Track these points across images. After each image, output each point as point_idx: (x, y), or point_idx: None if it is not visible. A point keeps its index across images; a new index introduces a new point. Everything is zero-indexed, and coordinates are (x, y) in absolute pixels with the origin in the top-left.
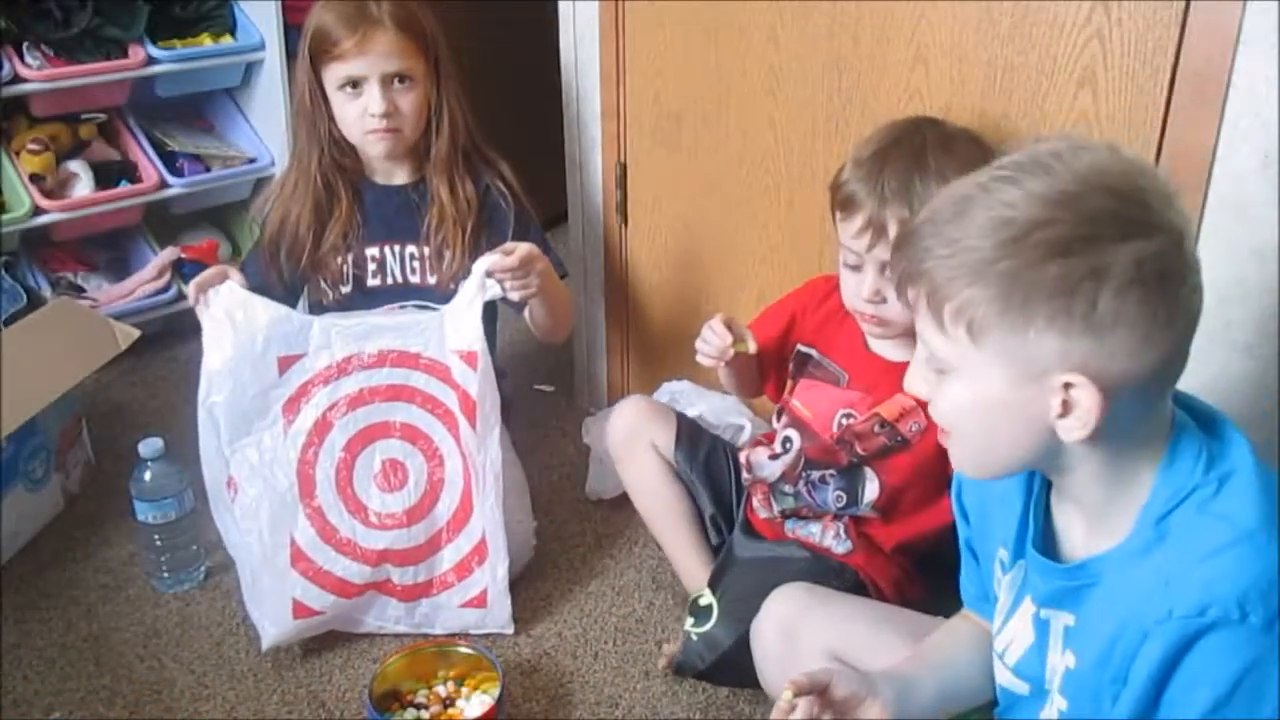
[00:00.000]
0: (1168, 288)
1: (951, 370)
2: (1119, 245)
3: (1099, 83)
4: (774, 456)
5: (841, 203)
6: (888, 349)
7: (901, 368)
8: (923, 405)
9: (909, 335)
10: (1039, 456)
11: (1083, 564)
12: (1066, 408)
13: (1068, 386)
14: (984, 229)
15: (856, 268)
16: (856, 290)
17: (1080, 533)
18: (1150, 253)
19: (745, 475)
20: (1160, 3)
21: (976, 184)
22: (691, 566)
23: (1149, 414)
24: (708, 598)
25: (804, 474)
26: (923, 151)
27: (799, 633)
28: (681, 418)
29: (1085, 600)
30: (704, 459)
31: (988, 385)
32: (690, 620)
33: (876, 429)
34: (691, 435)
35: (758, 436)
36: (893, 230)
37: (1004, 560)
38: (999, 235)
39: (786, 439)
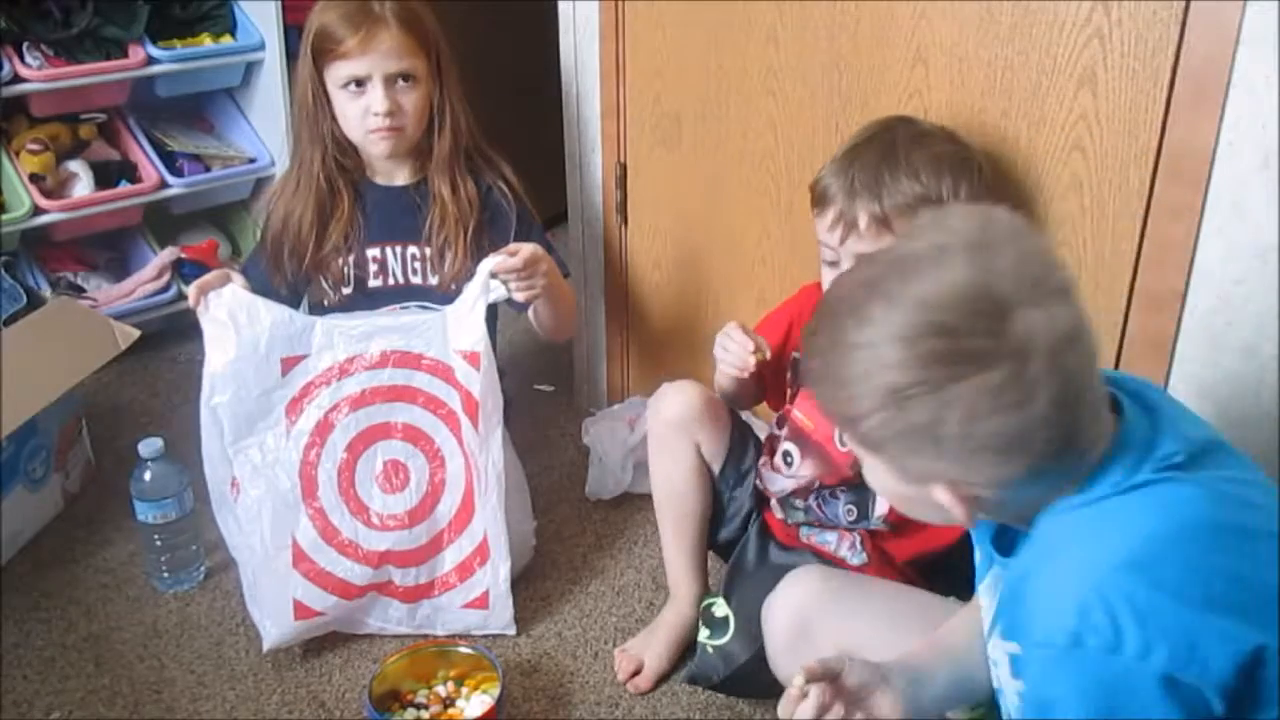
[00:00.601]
0: (1022, 409)
1: (865, 460)
2: (957, 385)
3: (1099, 83)
4: (789, 477)
5: (816, 199)
6: None
7: None
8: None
9: None
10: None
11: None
12: (949, 504)
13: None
14: (841, 375)
15: (834, 264)
16: None
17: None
18: (994, 384)
19: (757, 482)
20: (1160, 3)
21: (848, 310)
22: (681, 570)
23: (1059, 478)
24: (723, 609)
25: (816, 490)
26: (893, 146)
27: (812, 624)
28: (735, 420)
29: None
30: (749, 464)
31: (886, 480)
32: (706, 632)
33: None
34: (741, 447)
35: (769, 439)
36: (863, 223)
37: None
38: (855, 386)
39: (787, 453)
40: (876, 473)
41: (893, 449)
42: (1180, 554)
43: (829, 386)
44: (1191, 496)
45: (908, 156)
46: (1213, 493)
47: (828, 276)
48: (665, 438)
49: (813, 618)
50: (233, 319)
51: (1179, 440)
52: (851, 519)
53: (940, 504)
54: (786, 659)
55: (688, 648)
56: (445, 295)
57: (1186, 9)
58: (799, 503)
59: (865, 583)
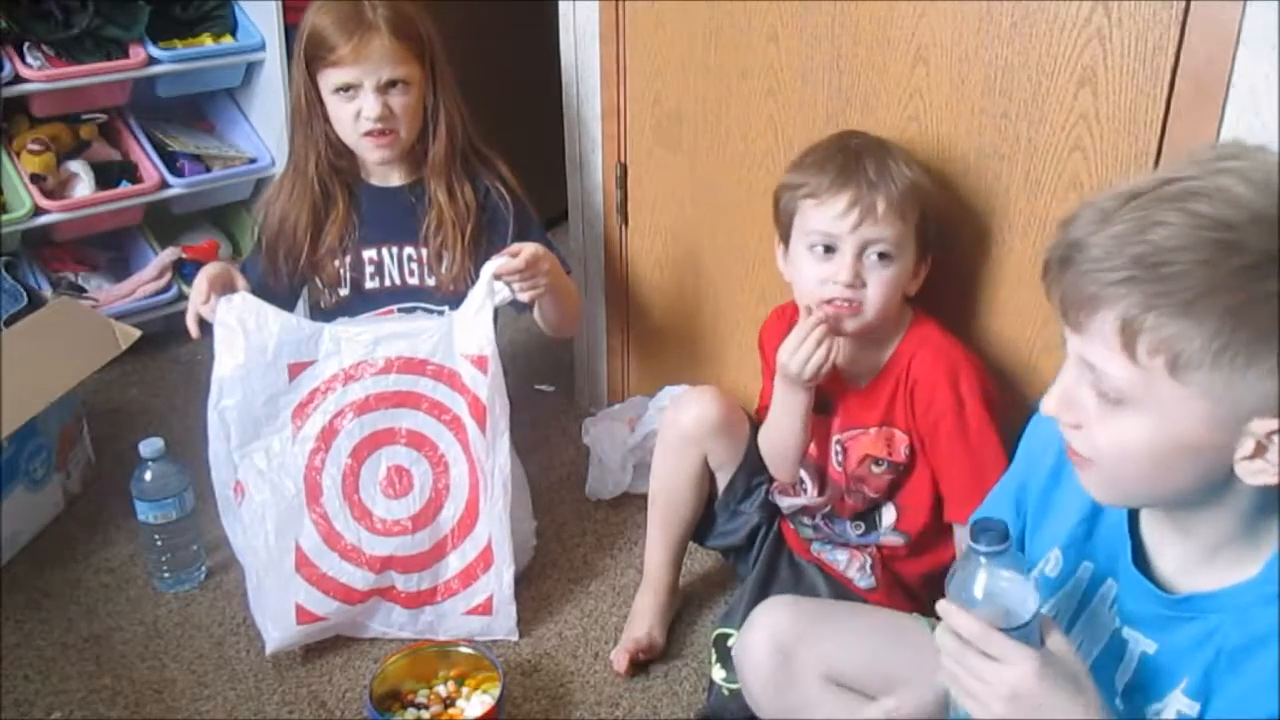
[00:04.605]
0: None
1: (1131, 402)
2: None
3: (1099, 83)
4: (795, 498)
5: (811, 192)
6: (837, 362)
7: (855, 387)
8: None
9: (874, 330)
10: (1198, 494)
11: (1190, 598)
12: (1260, 450)
13: (1271, 433)
14: (1196, 250)
15: (830, 249)
16: (832, 276)
17: (1174, 558)
18: None
19: (770, 497)
20: (1160, 3)
21: (1157, 197)
22: (660, 561)
23: None
24: None
25: (822, 510)
26: (881, 143)
27: (792, 654)
28: (754, 431)
29: (1174, 630)
30: (762, 478)
31: (1179, 422)
32: (721, 673)
33: (873, 468)
34: (756, 460)
35: None
36: (881, 209)
37: (1048, 569)
38: (1223, 261)
39: (801, 480)
40: (1163, 411)
41: (1241, 366)
42: None
43: (1152, 270)
44: None
45: (893, 151)
46: None
47: (816, 270)
48: (673, 444)
49: (791, 647)
50: (242, 324)
51: None
52: (860, 533)
53: (1233, 449)
54: (769, 695)
55: (671, 621)
56: (443, 296)
57: (1186, 9)
58: (807, 520)
59: (833, 606)
